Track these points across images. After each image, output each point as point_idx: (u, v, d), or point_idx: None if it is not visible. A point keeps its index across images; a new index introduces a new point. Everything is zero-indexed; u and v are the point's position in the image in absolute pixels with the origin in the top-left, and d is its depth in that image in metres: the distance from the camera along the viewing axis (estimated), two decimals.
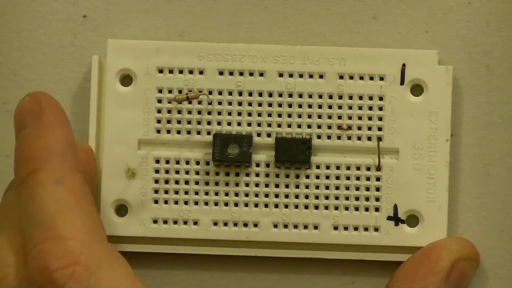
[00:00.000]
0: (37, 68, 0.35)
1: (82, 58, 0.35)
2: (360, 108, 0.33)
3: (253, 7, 0.35)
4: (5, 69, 0.35)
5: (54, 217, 0.28)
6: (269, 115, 0.33)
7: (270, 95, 0.34)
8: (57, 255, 0.27)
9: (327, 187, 0.33)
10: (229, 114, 0.34)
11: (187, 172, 0.34)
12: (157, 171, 0.34)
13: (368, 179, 0.33)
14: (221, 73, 0.34)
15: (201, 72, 0.34)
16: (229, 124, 0.34)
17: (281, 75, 0.34)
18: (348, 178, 0.33)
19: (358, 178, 0.33)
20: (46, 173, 0.28)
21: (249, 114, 0.34)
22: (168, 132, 0.34)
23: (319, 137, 0.33)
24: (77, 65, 0.35)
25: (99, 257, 0.27)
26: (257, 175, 0.34)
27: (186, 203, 0.34)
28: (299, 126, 0.33)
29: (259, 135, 0.34)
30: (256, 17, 0.35)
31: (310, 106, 0.33)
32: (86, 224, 0.28)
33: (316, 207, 0.33)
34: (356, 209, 0.33)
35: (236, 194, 0.34)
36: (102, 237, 0.29)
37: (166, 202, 0.34)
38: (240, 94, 0.34)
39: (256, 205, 0.33)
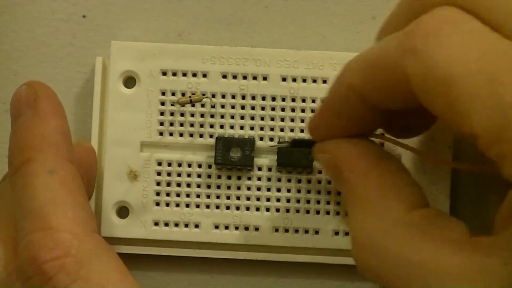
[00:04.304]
0: (37, 68, 0.35)
1: (82, 58, 0.35)
2: None
3: (253, 7, 0.35)
4: (5, 69, 0.35)
5: (46, 207, 0.27)
6: (272, 119, 0.33)
7: (273, 99, 0.33)
8: (47, 246, 0.27)
9: (328, 192, 0.33)
10: (232, 117, 0.33)
11: (189, 175, 0.34)
12: (159, 174, 0.34)
13: None
14: (224, 76, 0.33)
15: (204, 75, 0.33)
16: (231, 127, 0.33)
17: (284, 79, 0.33)
18: None
19: None
20: (40, 163, 0.28)
21: (252, 118, 0.33)
22: (171, 134, 0.34)
23: None
24: (77, 65, 0.35)
25: (90, 249, 0.27)
26: (259, 179, 0.34)
27: (187, 205, 0.34)
28: (302, 130, 0.33)
29: (261, 139, 0.33)
30: (255, 17, 0.35)
31: (313, 111, 0.33)
32: (78, 216, 0.28)
33: (318, 212, 0.33)
34: None
35: (238, 198, 0.34)
36: (93, 230, 0.28)
37: (167, 204, 0.34)
38: (243, 97, 0.33)
39: (257, 209, 0.33)
